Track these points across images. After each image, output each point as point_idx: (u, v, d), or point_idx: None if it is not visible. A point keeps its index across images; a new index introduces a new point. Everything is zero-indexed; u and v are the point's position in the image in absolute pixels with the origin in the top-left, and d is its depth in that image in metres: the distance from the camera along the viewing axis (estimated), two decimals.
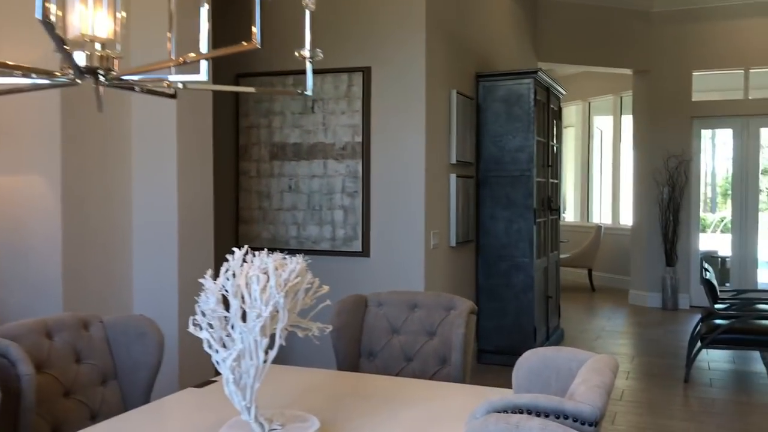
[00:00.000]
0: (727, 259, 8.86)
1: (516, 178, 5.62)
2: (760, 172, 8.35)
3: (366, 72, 4.72)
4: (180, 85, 1.85)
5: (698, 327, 5.55)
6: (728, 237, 8.57)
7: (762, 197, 8.53)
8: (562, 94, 6.60)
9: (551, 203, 6.23)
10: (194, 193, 3.66)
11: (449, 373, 2.61)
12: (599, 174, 11.17)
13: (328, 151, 4.82)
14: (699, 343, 5.12)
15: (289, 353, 3.42)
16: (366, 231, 4.73)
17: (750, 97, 8.24)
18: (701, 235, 8.75)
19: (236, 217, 5.08)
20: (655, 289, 8.56)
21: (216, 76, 5.08)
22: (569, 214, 11.64)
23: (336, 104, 4.79)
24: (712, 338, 5.01)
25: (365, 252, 4.74)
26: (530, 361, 1.94)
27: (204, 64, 1.86)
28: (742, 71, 8.23)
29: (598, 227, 9.99)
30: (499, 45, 6.58)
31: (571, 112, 11.52)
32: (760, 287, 8.35)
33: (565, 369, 1.89)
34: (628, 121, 9.47)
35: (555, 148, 6.53)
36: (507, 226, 5.66)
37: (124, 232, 3.51)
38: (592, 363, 1.81)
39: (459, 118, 5.15)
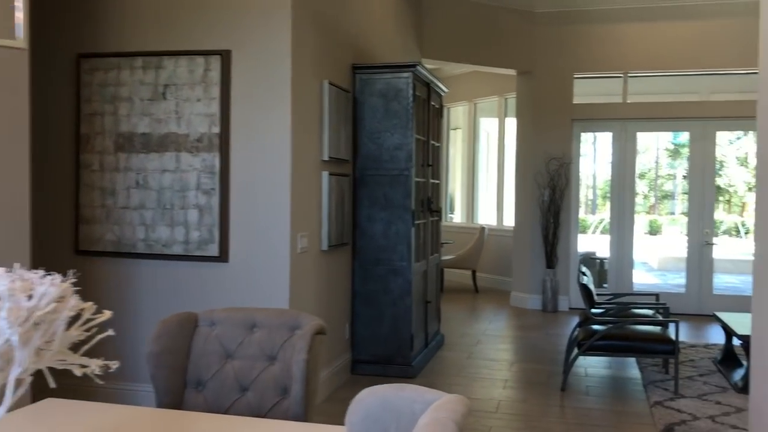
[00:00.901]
0: (605, 261, 8.98)
1: (394, 177, 5.29)
2: (636, 175, 8.49)
3: (225, 55, 4.23)
4: None
5: (575, 332, 5.43)
6: (607, 238, 8.66)
7: (638, 200, 8.68)
8: (443, 91, 6.35)
9: (431, 204, 5.96)
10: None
11: (288, 408, 2.20)
12: (485, 175, 11.14)
13: (181, 142, 4.29)
14: (576, 350, 4.98)
15: None
16: (224, 233, 4.25)
17: (628, 101, 8.36)
18: (581, 237, 8.82)
19: (76, 216, 4.45)
20: (536, 291, 8.53)
21: (53, 55, 4.44)
22: (457, 216, 11.56)
23: (191, 90, 4.27)
24: (588, 345, 4.88)
25: (223, 257, 4.25)
26: (366, 403, 1.56)
27: (21, 27, 1.34)
28: (622, 75, 8.33)
29: (482, 228, 9.91)
30: (380, 37, 6.25)
31: (458, 114, 11.44)
32: (635, 288, 8.49)
33: (408, 412, 1.52)
34: (512, 123, 9.43)
35: (436, 147, 6.27)
36: (385, 228, 5.32)
37: None
38: (440, 404, 1.45)
39: (332, 111, 4.76)
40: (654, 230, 19.70)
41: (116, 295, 4.39)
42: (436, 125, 6.24)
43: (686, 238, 8.36)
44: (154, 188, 4.32)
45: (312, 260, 4.58)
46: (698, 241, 8.19)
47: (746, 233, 19.36)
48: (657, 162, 19.72)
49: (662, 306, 5.57)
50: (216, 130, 4.25)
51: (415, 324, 5.45)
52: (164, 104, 4.30)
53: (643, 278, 11.46)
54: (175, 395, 2.30)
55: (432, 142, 6.05)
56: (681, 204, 20.49)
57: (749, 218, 20.47)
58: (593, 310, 5.29)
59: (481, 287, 10.10)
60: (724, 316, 5.58)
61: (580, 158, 8.71)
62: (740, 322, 5.32)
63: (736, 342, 5.50)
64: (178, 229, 4.28)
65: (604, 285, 8.70)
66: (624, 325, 4.98)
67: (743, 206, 21.23)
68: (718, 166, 8.05)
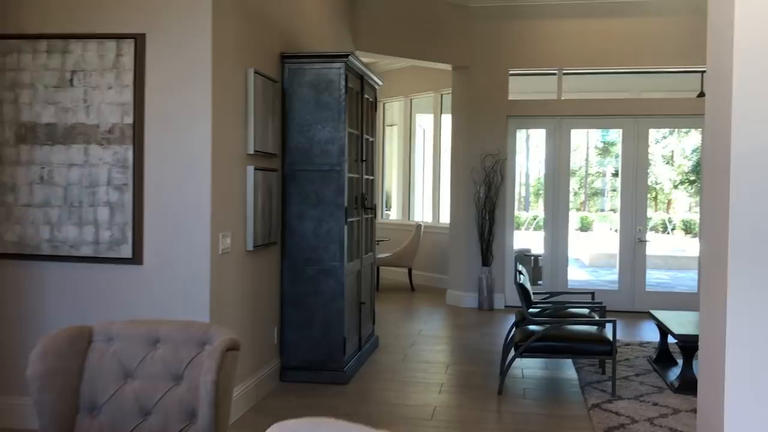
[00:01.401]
0: (539, 258, 8.96)
1: (326, 173, 5.03)
2: (570, 172, 8.47)
3: (139, 40, 3.88)
4: None
5: (512, 333, 5.30)
6: (541, 234, 8.62)
7: (571, 197, 8.66)
8: (378, 84, 6.12)
9: (365, 201, 5.73)
10: None
11: None
12: (421, 172, 10.98)
13: (90, 134, 3.91)
14: (513, 352, 4.84)
15: None
16: (138, 233, 3.90)
17: (563, 98, 8.33)
18: (516, 233, 8.74)
19: None
20: (472, 289, 8.41)
21: None
22: (393, 213, 11.36)
23: (101, 77, 3.90)
24: (525, 347, 4.75)
25: (137, 258, 3.90)
26: None
27: None
28: (557, 72, 8.29)
29: (418, 226, 9.75)
30: (312, 26, 5.97)
31: (394, 110, 11.24)
32: (570, 285, 8.47)
33: None
34: (448, 120, 9.28)
35: (371, 142, 6.04)
36: (316, 227, 5.06)
37: None
38: None
39: (258, 101, 4.46)
40: (585, 227, 20.06)
41: (17, 301, 3.98)
42: (370, 119, 6.01)
43: (618, 235, 8.39)
44: (60, 184, 3.93)
45: (236, 261, 4.28)
46: (630, 238, 8.24)
47: (673, 229, 19.94)
48: (587, 160, 20.08)
49: (598, 305, 5.49)
50: (129, 120, 3.89)
51: (348, 327, 5.21)
52: (71, 92, 3.92)
53: (576, 275, 11.54)
54: (65, 421, 2.00)
55: (366, 136, 5.81)
56: (610, 201, 20.96)
57: (675, 215, 21.12)
58: (530, 310, 5.17)
59: (417, 285, 9.94)
60: (659, 314, 5.55)
61: (515, 155, 8.64)
62: (675, 321, 5.29)
63: (671, 340, 5.48)
64: (87, 229, 3.91)
65: (539, 282, 8.67)
66: (561, 326, 4.87)
67: (669, 203, 21.87)
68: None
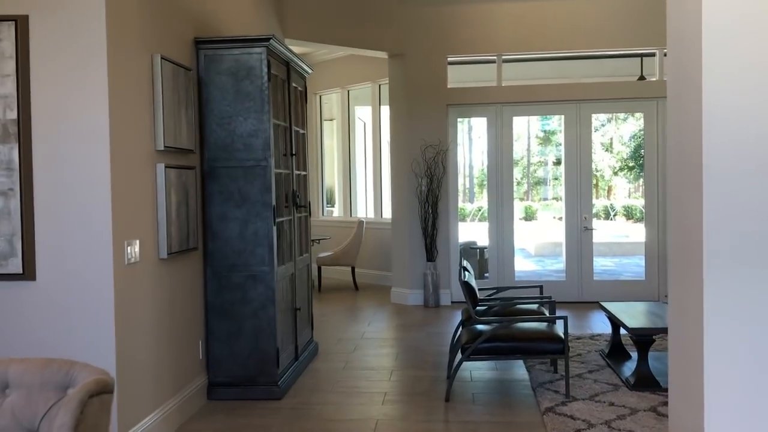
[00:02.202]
0: (485, 250, 8.70)
1: (250, 169, 4.58)
2: (513, 161, 8.21)
3: (20, 22, 3.36)
4: None
5: (459, 332, 4.97)
6: (486, 226, 8.33)
7: (514, 187, 8.41)
8: (307, 72, 5.69)
9: (297, 198, 5.30)
10: None
11: None
12: (363, 167, 10.59)
13: None
14: (460, 355, 4.50)
15: None
16: (29, 245, 3.39)
17: (503, 84, 8.05)
18: (461, 226, 8.43)
19: None
20: (417, 286, 8.08)
21: None
22: (337, 210, 10.93)
23: None
24: (473, 349, 4.41)
25: (28, 274, 3.39)
26: None
27: None
28: (496, 57, 8.01)
29: (360, 222, 9.36)
30: (233, 12, 5.49)
31: (333, 102, 10.80)
32: (517, 276, 8.22)
33: None
34: (387, 112, 8.91)
35: (301, 134, 5.61)
36: (242, 229, 4.61)
37: None
38: None
39: (167, 91, 3.98)
40: (529, 216, 20.05)
41: None
42: (300, 110, 5.57)
43: (563, 223, 8.18)
44: None
45: (147, 272, 3.80)
46: (576, 227, 8.03)
47: (615, 216, 20.14)
48: (529, 149, 20.05)
49: (548, 299, 5.21)
50: (12, 115, 3.38)
51: (282, 336, 4.79)
52: None
53: (522, 265, 11.35)
54: None
55: (296, 128, 5.38)
56: (553, 190, 21.02)
57: (616, 201, 21.35)
58: (477, 308, 4.85)
59: (361, 284, 9.57)
60: (610, 306, 5.31)
61: (458, 146, 8.33)
62: (626, 313, 5.05)
63: (623, 332, 5.25)
64: None
65: (486, 275, 8.41)
66: (510, 325, 4.55)
67: (609, 190, 22.09)
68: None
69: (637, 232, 18.38)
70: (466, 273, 4.79)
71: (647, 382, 4.50)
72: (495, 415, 4.19)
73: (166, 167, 3.95)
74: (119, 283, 3.44)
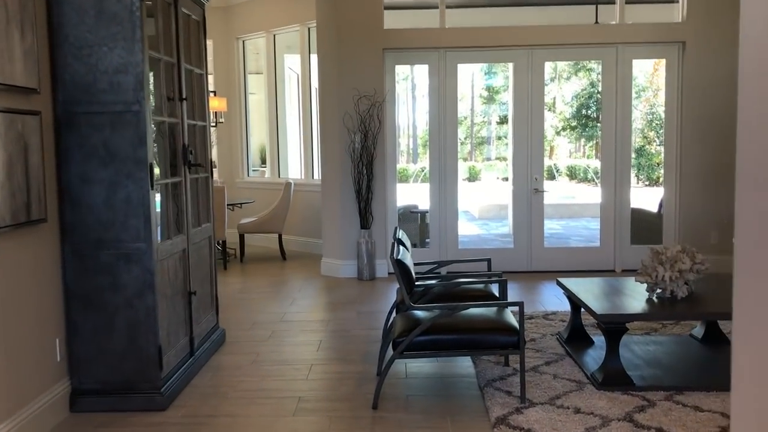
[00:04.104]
0: (426, 214, 7.83)
1: (119, 116, 3.51)
2: (457, 115, 7.28)
3: None
4: None
5: (392, 319, 4.08)
6: (428, 187, 7.42)
7: (458, 146, 7.50)
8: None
9: (190, 155, 4.24)
10: None
11: None
12: (295, 123, 9.50)
13: None
14: (392, 350, 3.60)
15: None
16: None
17: (447, 27, 7.07)
18: (402, 187, 7.48)
19: None
20: (350, 256, 7.15)
21: None
22: (268, 171, 9.84)
23: None
24: (406, 344, 3.52)
25: None
26: None
27: None
28: (438, 1, 7.02)
29: (288, 184, 8.32)
30: None
31: (260, 49, 9.60)
32: (460, 241, 7.36)
33: None
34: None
35: (198, 75, 4.54)
36: (109, 194, 3.55)
37: None
38: None
39: None
40: (473, 177, 19.32)
41: None
42: (194, 44, 4.48)
43: (510, 185, 7.34)
44: None
45: None
46: (525, 189, 7.20)
47: (558, 175, 19.63)
48: (472, 109, 19.20)
49: (498, 277, 4.33)
50: None
51: (168, 330, 3.79)
52: None
53: (466, 229, 10.57)
54: None
55: (189, 66, 4.30)
56: (496, 150, 20.32)
57: (558, 161, 20.85)
58: (415, 288, 3.94)
59: (290, 253, 8.60)
60: (570, 284, 4.48)
61: (399, 103, 7.34)
62: (590, 293, 4.23)
63: (583, 313, 4.44)
64: None
65: (427, 240, 7.56)
66: (453, 313, 3.66)
67: (551, 150, 21.59)
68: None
69: (582, 193, 17.80)
70: (401, 248, 3.86)
71: (618, 379, 3.70)
72: (434, 427, 3.31)
73: None
74: None
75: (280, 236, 8.37)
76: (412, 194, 11.64)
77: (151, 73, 3.70)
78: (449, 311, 3.62)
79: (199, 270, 4.43)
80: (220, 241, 7.75)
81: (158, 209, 3.73)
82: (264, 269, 7.73)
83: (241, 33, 9.44)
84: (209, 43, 9.66)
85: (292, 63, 9.61)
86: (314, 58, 8.51)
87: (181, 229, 4.11)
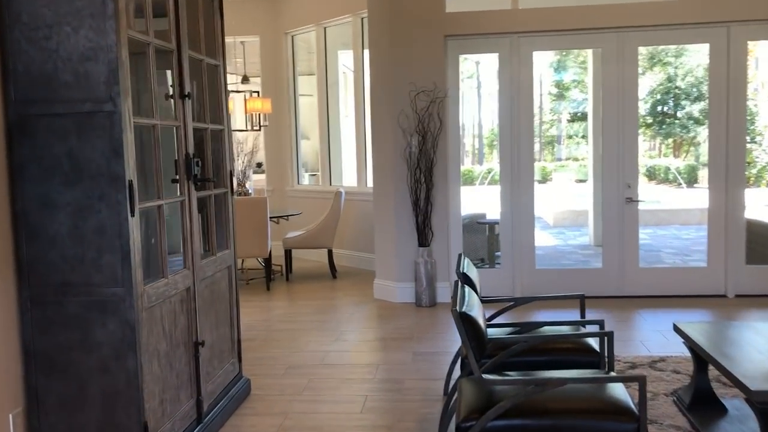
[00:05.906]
0: (496, 225, 6.80)
1: (87, 117, 2.62)
2: (533, 109, 6.18)
3: None
4: None
5: (455, 383, 3.07)
6: (497, 190, 6.30)
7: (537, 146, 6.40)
8: None
9: (195, 168, 3.33)
10: None
11: None
12: (351, 125, 8.59)
13: None
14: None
15: None
16: None
17: (520, 7, 5.99)
18: (465, 191, 6.38)
19: None
20: (406, 277, 6.16)
21: None
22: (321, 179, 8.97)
23: None
24: (482, 426, 2.50)
25: None
26: None
27: None
28: None
29: (338, 194, 7.40)
30: None
31: (312, 47, 8.72)
32: (537, 256, 6.23)
33: None
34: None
35: (214, 66, 3.64)
36: (77, 222, 2.67)
37: None
38: None
39: None
40: (543, 178, 18.03)
41: None
42: (208, 29, 3.58)
43: (591, 190, 6.20)
44: None
45: None
46: (616, 197, 6.05)
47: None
48: (540, 106, 17.93)
49: (598, 328, 3.25)
50: None
51: (161, 397, 2.89)
52: None
53: (540, 239, 9.42)
54: None
55: (195, 55, 3.40)
56: (566, 150, 18.95)
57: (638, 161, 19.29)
58: (489, 334, 2.92)
59: (342, 268, 7.71)
60: (695, 333, 3.36)
61: (461, 96, 6.31)
62: (726, 345, 3.10)
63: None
64: None
65: (497, 254, 6.53)
66: (544, 384, 2.62)
67: None
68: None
69: (667, 197, 16.22)
70: (466, 293, 2.84)
71: None
72: None
73: None
74: None
75: (329, 252, 7.45)
76: (478, 200, 10.52)
77: (135, 62, 2.80)
78: (537, 388, 2.57)
79: (213, 311, 3.53)
80: (262, 260, 6.89)
81: (145, 240, 2.83)
82: (311, 290, 6.83)
83: (290, 27, 8.58)
84: (255, 39, 8.85)
85: (346, 60, 8.71)
86: (367, 54, 7.59)
87: (184, 263, 3.20)
